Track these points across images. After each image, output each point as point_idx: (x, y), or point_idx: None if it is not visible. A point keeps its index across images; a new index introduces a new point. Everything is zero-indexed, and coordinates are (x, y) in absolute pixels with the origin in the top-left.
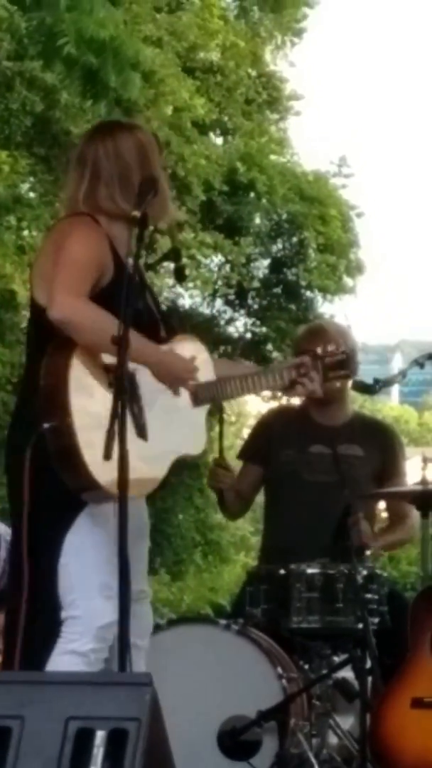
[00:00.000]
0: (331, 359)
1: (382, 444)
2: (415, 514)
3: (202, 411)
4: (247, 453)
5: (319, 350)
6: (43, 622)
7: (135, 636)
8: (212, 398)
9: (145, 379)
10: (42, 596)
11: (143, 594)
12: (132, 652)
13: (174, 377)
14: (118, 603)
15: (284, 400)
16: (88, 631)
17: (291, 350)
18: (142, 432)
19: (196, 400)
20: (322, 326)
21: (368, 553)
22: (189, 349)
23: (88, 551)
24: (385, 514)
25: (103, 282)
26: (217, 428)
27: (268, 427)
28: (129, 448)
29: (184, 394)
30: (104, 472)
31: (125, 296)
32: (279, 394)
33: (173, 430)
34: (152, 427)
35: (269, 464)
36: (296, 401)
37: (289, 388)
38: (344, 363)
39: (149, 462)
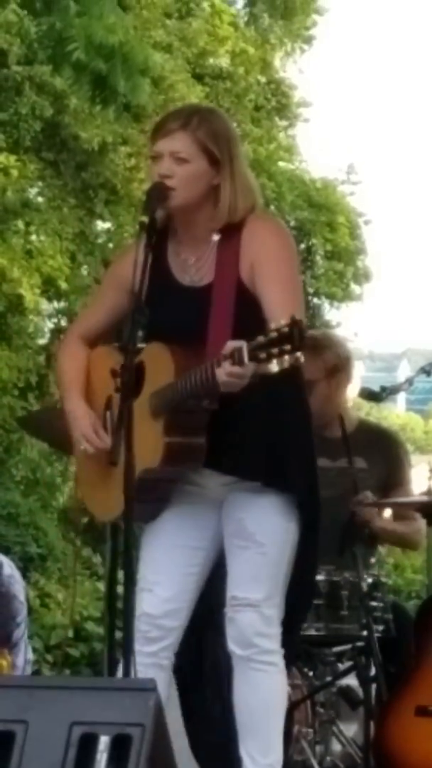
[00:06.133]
0: (256, 342)
1: (386, 453)
2: (421, 520)
3: (160, 421)
4: None
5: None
6: None
7: (231, 643)
8: (164, 404)
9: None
10: None
11: (234, 600)
12: (232, 660)
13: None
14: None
15: None
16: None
17: None
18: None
19: (153, 412)
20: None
21: (373, 560)
22: (151, 354)
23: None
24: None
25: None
26: None
27: None
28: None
29: (143, 406)
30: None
31: (133, 308)
32: None
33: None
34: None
35: None
36: None
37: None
38: (282, 339)
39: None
